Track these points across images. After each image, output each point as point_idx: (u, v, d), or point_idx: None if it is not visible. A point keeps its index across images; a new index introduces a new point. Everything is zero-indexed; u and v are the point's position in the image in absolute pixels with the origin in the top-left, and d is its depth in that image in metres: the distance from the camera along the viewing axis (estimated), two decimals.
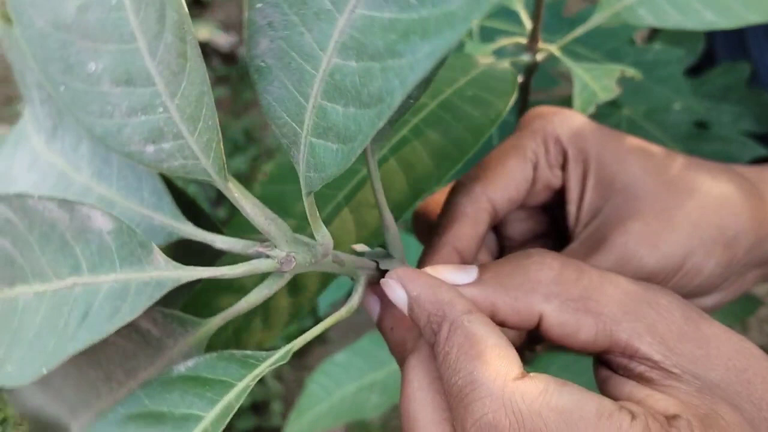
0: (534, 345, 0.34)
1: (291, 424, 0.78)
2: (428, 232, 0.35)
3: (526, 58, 0.43)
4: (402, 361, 0.28)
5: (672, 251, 0.31)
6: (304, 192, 0.23)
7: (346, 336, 1.37)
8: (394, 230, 0.29)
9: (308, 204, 0.24)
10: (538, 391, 0.22)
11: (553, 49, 0.43)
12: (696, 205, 0.32)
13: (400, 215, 0.31)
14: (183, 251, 0.28)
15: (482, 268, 0.27)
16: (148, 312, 0.25)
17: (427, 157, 0.32)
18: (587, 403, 0.22)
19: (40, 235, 0.24)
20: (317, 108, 0.22)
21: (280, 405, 1.38)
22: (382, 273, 0.28)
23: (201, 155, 0.24)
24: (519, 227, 0.36)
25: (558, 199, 0.35)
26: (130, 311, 0.24)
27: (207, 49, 1.82)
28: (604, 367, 0.26)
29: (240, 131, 1.67)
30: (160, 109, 0.23)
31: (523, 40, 0.43)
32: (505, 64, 0.38)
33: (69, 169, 0.27)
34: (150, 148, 0.24)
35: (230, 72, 1.83)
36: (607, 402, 0.22)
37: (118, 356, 0.28)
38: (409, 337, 0.28)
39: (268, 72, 0.23)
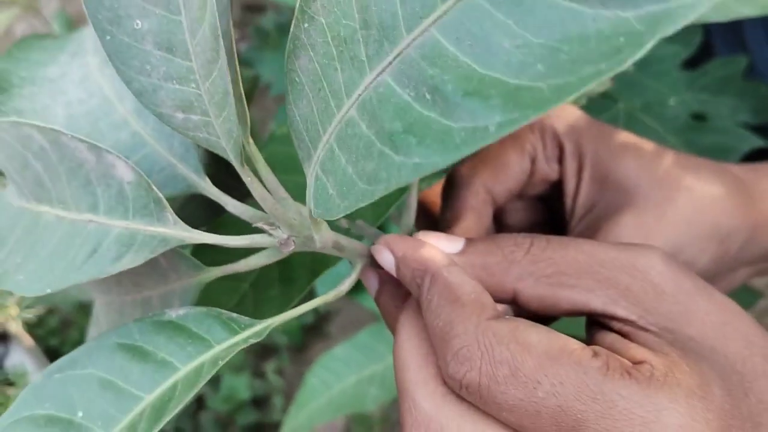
0: None
1: (291, 418, 0.81)
2: (427, 220, 0.35)
3: None
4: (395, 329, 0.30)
5: (663, 245, 0.31)
6: (307, 209, 0.24)
7: (346, 331, 1.39)
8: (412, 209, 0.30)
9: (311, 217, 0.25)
10: (509, 329, 0.24)
11: None
12: (689, 203, 0.32)
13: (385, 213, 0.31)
14: (201, 203, 0.29)
15: (468, 242, 0.28)
16: None
17: None
18: (553, 340, 0.23)
19: (69, 169, 0.26)
20: (329, 146, 0.22)
21: (281, 399, 1.41)
22: None
23: (222, 137, 0.24)
24: (516, 217, 0.37)
25: (555, 191, 0.35)
26: (133, 259, 0.26)
27: None
28: (592, 323, 0.27)
29: None
30: (193, 85, 0.24)
31: None
32: None
33: (114, 97, 0.28)
34: (180, 115, 0.25)
35: None
36: (572, 341, 0.24)
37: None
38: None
39: (301, 88, 0.23)
